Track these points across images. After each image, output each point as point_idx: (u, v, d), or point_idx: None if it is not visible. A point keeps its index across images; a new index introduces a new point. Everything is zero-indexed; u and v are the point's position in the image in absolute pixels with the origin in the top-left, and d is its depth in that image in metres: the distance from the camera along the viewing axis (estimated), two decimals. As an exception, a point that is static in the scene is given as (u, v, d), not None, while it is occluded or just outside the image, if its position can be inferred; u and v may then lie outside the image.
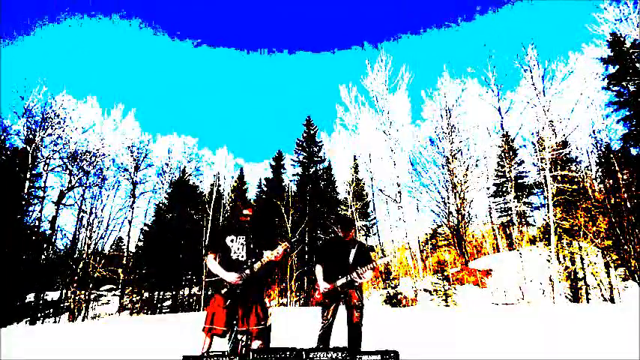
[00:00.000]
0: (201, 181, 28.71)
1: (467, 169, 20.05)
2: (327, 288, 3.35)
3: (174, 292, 23.67)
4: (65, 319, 19.79)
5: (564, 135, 16.34)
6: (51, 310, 21.66)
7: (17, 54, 44.13)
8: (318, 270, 3.52)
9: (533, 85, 15.95)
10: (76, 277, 20.07)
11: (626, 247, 12.81)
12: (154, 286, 22.81)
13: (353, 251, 3.54)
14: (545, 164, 14.55)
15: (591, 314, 8.16)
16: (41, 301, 20.31)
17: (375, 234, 27.48)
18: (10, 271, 16.93)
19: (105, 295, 27.24)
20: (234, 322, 2.89)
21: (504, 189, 24.86)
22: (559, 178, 14.99)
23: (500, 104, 16.72)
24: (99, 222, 22.27)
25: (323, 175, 26.84)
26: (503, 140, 16.69)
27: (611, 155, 14.37)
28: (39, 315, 20.07)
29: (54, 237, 20.98)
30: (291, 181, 27.08)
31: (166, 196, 25.18)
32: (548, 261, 14.08)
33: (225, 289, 2.94)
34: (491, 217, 23.21)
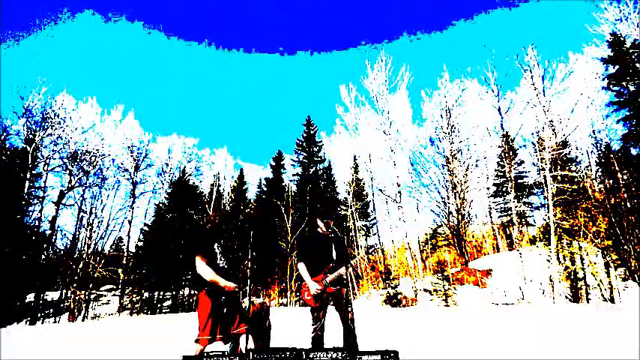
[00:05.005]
0: (201, 181, 28.76)
1: (467, 169, 20.03)
2: (319, 288, 3.24)
3: (174, 292, 23.65)
4: (65, 319, 19.78)
5: (564, 135, 16.32)
6: (51, 310, 21.64)
7: (17, 54, 44.09)
8: (303, 269, 3.37)
9: (533, 85, 15.93)
10: (76, 277, 20.06)
11: (626, 247, 12.80)
12: (154, 286, 22.79)
13: (334, 245, 3.47)
14: (545, 164, 14.54)
15: (591, 314, 8.16)
16: (41, 301, 20.31)
17: (375, 234, 27.48)
18: (10, 271, 16.92)
19: (105, 295, 27.23)
20: (232, 326, 2.92)
21: (504, 189, 24.89)
22: (559, 178, 14.98)
23: (500, 104, 16.67)
24: (99, 222, 22.27)
25: (323, 175, 26.85)
26: (503, 140, 16.65)
27: (611, 155, 14.36)
28: (39, 315, 20.07)
29: (54, 237, 20.98)
30: (291, 181, 27.11)
31: (166, 196, 25.16)
32: (548, 261, 14.08)
33: (223, 296, 2.94)
34: (491, 217, 23.20)
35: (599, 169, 16.52)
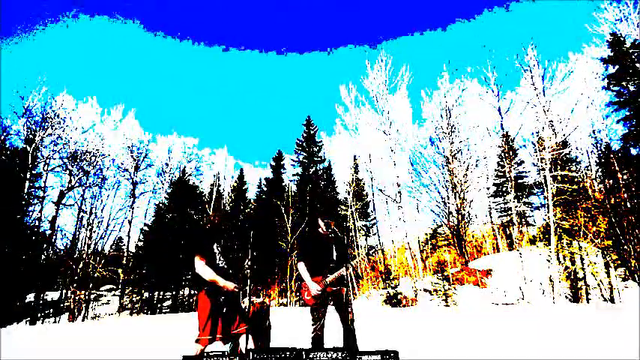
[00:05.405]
0: (201, 181, 28.75)
1: (467, 169, 20.03)
2: (319, 289, 3.23)
3: (174, 292, 23.65)
4: (65, 319, 19.78)
5: (564, 135, 16.32)
6: (51, 310, 21.64)
7: (17, 54, 44.13)
8: (303, 268, 3.36)
9: (533, 85, 15.93)
10: (76, 277, 20.06)
11: (626, 247, 12.80)
12: (154, 286, 22.79)
13: (334, 246, 3.47)
14: (545, 164, 14.54)
15: (591, 314, 8.16)
16: (41, 301, 20.31)
17: (375, 234, 27.48)
18: (10, 271, 16.92)
19: (105, 295, 27.22)
20: (232, 326, 2.92)
21: (504, 189, 24.88)
22: (559, 178, 14.98)
23: (500, 104, 16.67)
24: (99, 222, 22.27)
25: (323, 175, 26.86)
26: (503, 140, 16.65)
27: (611, 155, 14.36)
28: (39, 315, 20.06)
29: (54, 237, 20.97)
30: (291, 181, 27.11)
31: (166, 196, 25.16)
32: (548, 261, 14.07)
33: (222, 296, 2.93)
34: (491, 217, 23.21)
35: (599, 169, 16.52)
